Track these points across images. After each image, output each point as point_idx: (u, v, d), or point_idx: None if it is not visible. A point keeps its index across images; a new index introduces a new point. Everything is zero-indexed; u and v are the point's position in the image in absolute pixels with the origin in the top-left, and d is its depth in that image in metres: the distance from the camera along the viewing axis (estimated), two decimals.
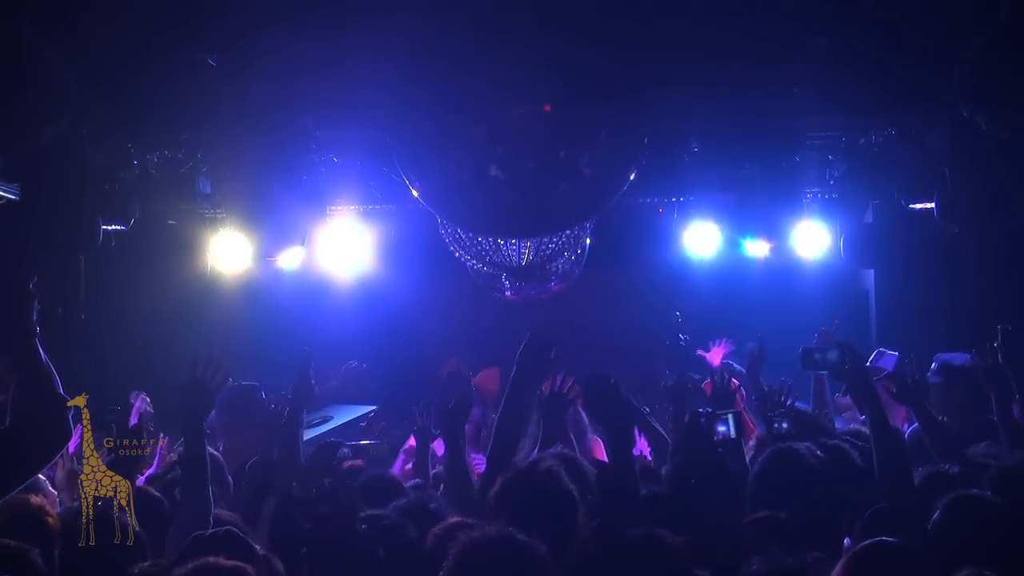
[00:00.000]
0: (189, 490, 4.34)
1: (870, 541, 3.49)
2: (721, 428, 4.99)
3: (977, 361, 5.61)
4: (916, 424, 6.18)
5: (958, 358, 6.36)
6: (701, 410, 4.75)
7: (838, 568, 3.40)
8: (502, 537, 3.24)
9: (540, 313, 8.18)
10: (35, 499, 4.09)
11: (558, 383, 5.34)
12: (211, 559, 3.36)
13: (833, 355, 4.69)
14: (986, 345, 5.54)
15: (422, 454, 6.09)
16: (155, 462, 5.67)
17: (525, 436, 5.02)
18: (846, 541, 3.97)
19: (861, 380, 4.61)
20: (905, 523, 3.83)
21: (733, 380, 7.44)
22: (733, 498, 4.36)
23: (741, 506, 4.34)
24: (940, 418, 5.91)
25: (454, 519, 4.03)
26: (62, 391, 3.43)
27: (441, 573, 3.22)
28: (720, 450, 4.84)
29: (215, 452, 5.68)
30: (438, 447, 6.16)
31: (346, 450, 5.70)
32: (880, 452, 4.41)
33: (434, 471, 5.98)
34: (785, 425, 5.60)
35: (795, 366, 5.06)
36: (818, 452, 4.49)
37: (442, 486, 5.31)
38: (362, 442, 6.38)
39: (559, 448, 4.71)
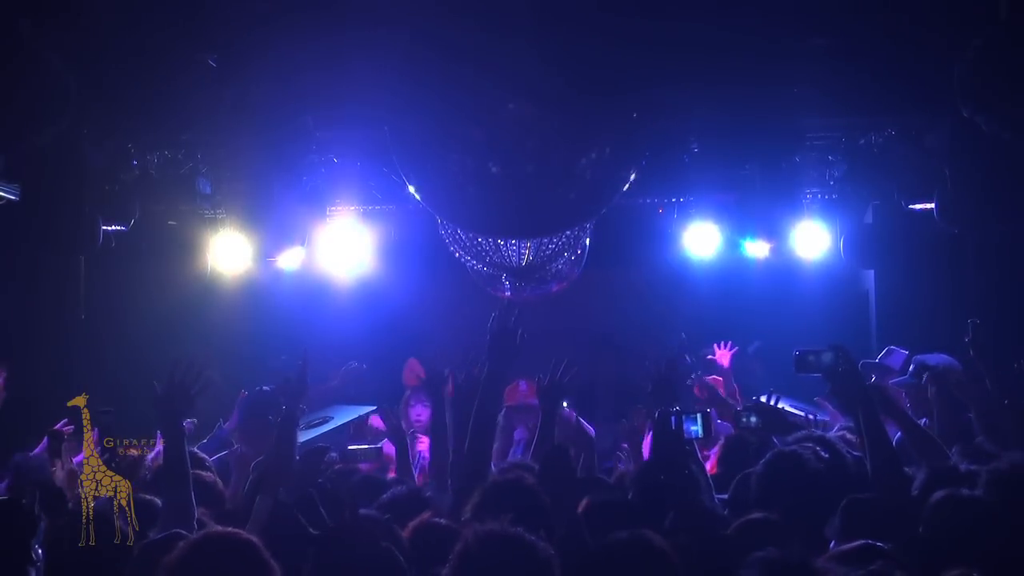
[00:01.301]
0: (171, 494, 4.30)
1: (860, 543, 3.49)
2: (692, 428, 5.02)
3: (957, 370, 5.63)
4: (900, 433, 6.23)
5: (934, 359, 6.37)
6: (671, 409, 4.76)
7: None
8: (509, 535, 3.20)
9: (537, 313, 8.20)
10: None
11: (558, 372, 5.38)
12: (220, 528, 3.37)
13: (827, 358, 4.69)
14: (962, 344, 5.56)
15: (402, 456, 6.07)
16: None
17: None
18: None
19: (854, 383, 4.60)
20: (898, 523, 3.84)
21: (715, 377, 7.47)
22: (697, 497, 4.36)
23: (703, 504, 4.36)
24: (922, 421, 5.92)
25: (428, 517, 4.04)
26: None
27: (446, 568, 3.21)
28: (688, 448, 4.88)
29: (199, 453, 5.70)
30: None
31: (334, 454, 5.71)
32: (875, 454, 4.41)
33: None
34: (753, 419, 5.61)
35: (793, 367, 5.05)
36: (824, 453, 4.50)
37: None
38: (350, 447, 6.38)
39: (520, 459, 4.76)
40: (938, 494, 3.89)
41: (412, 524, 3.95)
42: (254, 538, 3.30)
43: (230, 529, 3.40)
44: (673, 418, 4.40)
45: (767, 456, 4.63)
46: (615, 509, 4.29)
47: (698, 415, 5.05)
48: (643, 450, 6.36)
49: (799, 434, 4.95)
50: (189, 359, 4.52)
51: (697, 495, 4.29)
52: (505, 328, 4.97)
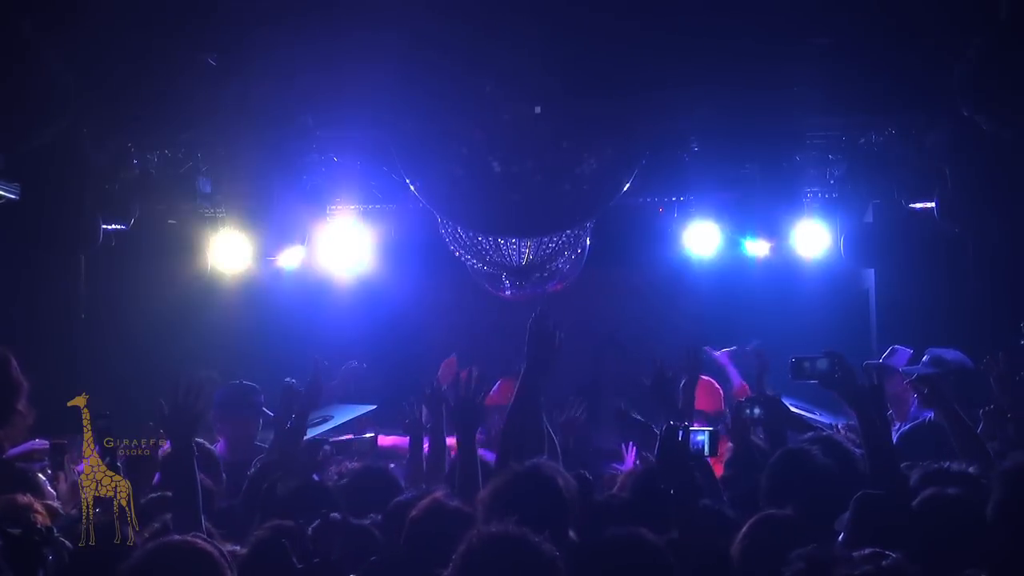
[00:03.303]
0: (182, 523, 4.17)
1: (869, 551, 3.49)
2: (699, 438, 4.99)
3: (987, 367, 5.61)
4: (906, 425, 6.23)
5: (950, 353, 6.37)
6: (679, 424, 4.73)
7: None
8: (514, 536, 3.19)
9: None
10: (22, 498, 4.09)
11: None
12: (177, 537, 3.36)
13: (823, 364, 4.68)
14: (999, 352, 5.54)
15: (415, 449, 6.05)
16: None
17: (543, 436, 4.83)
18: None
19: (851, 389, 4.60)
20: (908, 520, 3.85)
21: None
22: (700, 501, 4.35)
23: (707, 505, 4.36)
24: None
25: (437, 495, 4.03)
26: None
27: (449, 569, 3.20)
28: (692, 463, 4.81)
29: (209, 447, 5.70)
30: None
31: (328, 447, 5.72)
32: (872, 457, 4.43)
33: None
34: (757, 411, 5.60)
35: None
36: (833, 451, 4.51)
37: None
38: (343, 437, 6.38)
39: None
40: (924, 492, 3.93)
41: (422, 504, 3.94)
42: (209, 547, 3.29)
43: (188, 537, 3.38)
44: (680, 432, 4.38)
45: (776, 454, 4.64)
46: (614, 508, 4.29)
47: (706, 431, 5.02)
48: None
49: (809, 435, 4.95)
50: (190, 379, 4.51)
51: (698, 500, 4.28)
52: (544, 331, 4.85)
